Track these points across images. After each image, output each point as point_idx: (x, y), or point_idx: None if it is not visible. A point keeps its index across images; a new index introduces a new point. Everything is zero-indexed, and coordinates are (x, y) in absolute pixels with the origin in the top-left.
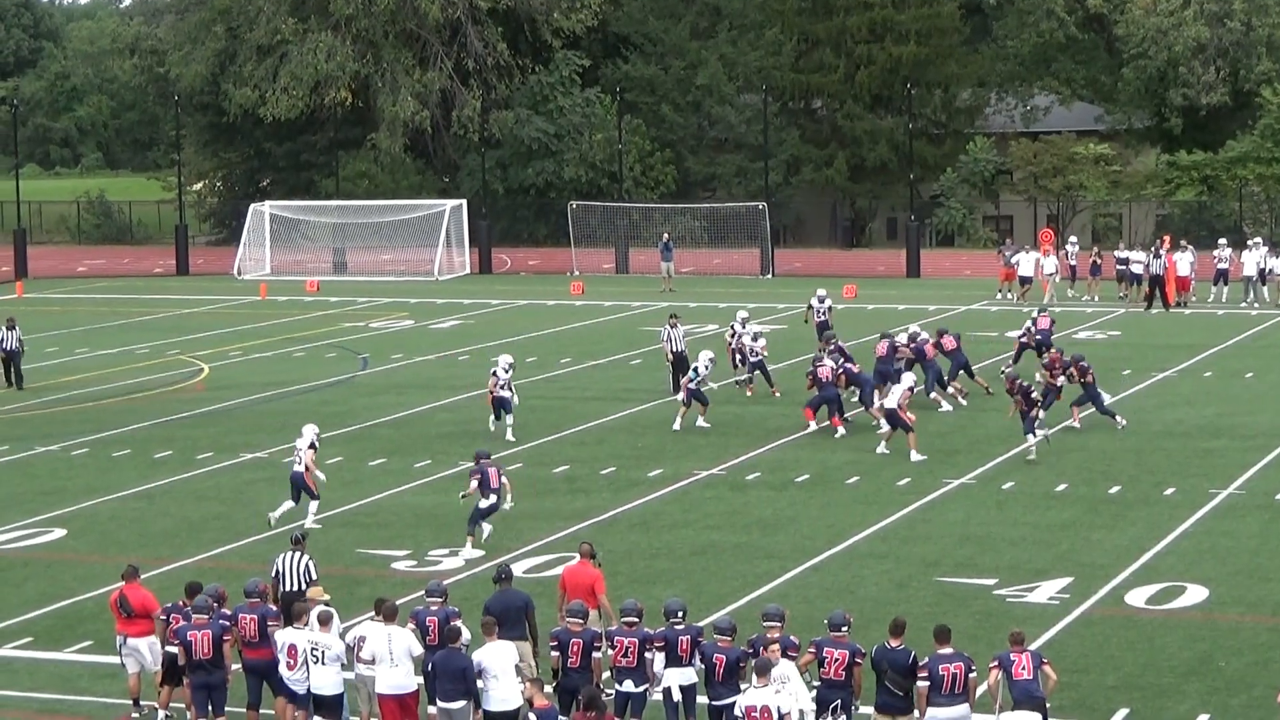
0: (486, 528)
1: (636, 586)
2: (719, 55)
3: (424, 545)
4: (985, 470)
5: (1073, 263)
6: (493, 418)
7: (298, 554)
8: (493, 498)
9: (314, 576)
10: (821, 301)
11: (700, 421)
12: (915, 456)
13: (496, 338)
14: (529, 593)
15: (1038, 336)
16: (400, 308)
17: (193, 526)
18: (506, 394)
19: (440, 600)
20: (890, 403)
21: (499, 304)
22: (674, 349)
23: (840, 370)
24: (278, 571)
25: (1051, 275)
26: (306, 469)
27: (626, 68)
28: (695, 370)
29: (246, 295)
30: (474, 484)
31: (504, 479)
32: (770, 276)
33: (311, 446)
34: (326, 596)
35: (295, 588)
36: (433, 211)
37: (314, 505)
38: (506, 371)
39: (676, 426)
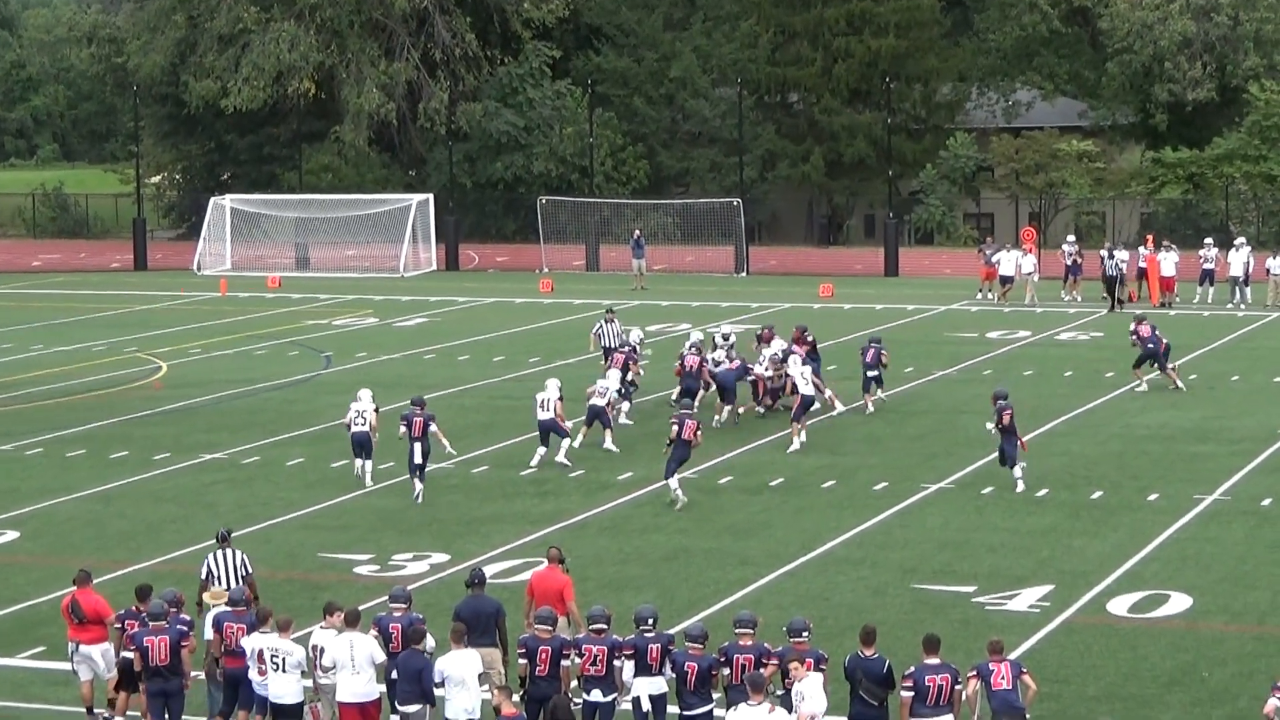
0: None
1: (606, 592)
2: (693, 47)
3: (388, 549)
4: (964, 475)
5: (1068, 262)
6: (542, 448)
7: (228, 550)
8: (418, 448)
9: (249, 570)
10: (726, 340)
11: (607, 444)
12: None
13: (463, 336)
14: (498, 599)
15: (1149, 345)
16: (364, 305)
17: (150, 529)
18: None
19: (404, 606)
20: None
21: (466, 301)
22: (606, 344)
23: (702, 361)
24: (210, 571)
25: (1030, 274)
26: (373, 428)
27: (598, 59)
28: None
29: (206, 291)
30: (402, 429)
31: (434, 427)
32: (745, 275)
33: (376, 410)
34: (225, 598)
35: (233, 584)
36: (398, 206)
37: (369, 464)
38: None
39: (576, 443)
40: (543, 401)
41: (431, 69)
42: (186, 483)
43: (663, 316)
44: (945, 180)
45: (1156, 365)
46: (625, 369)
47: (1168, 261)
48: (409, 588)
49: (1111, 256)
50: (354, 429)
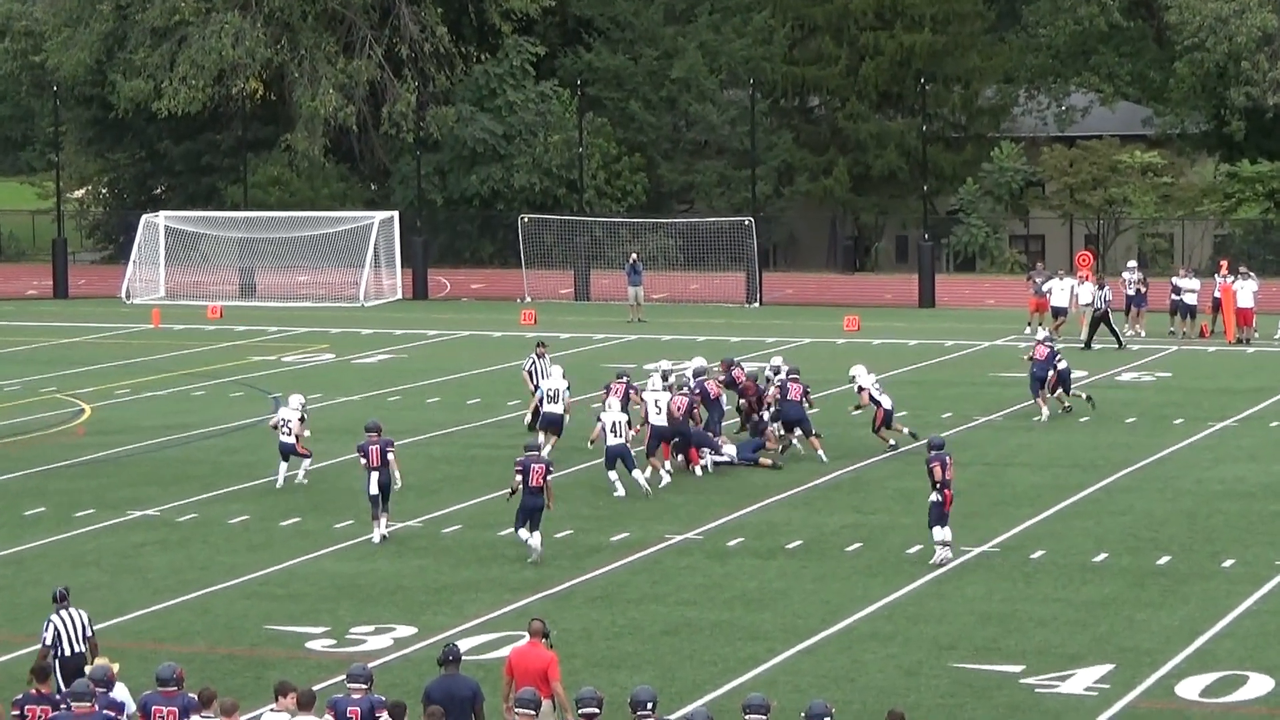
0: (384, 520)
1: (597, 672)
2: (698, 43)
3: (345, 621)
4: (1010, 537)
5: (1130, 292)
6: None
7: (69, 611)
8: (374, 478)
9: (91, 632)
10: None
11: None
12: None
13: (433, 375)
14: (474, 679)
15: (1035, 369)
16: (319, 339)
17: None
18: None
19: (364, 687)
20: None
21: (436, 335)
22: (539, 383)
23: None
24: (57, 633)
25: (1088, 306)
26: (297, 439)
27: (589, 57)
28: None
29: (137, 323)
30: (361, 460)
31: (391, 455)
32: (757, 305)
33: (301, 419)
34: (116, 665)
35: (79, 649)
36: (358, 225)
37: (306, 463)
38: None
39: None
40: (613, 425)
41: (397, 67)
42: (112, 544)
43: (663, 352)
44: (989, 197)
45: (1039, 391)
46: (625, 400)
47: (1245, 291)
48: (370, 666)
49: (1101, 288)
50: (281, 438)
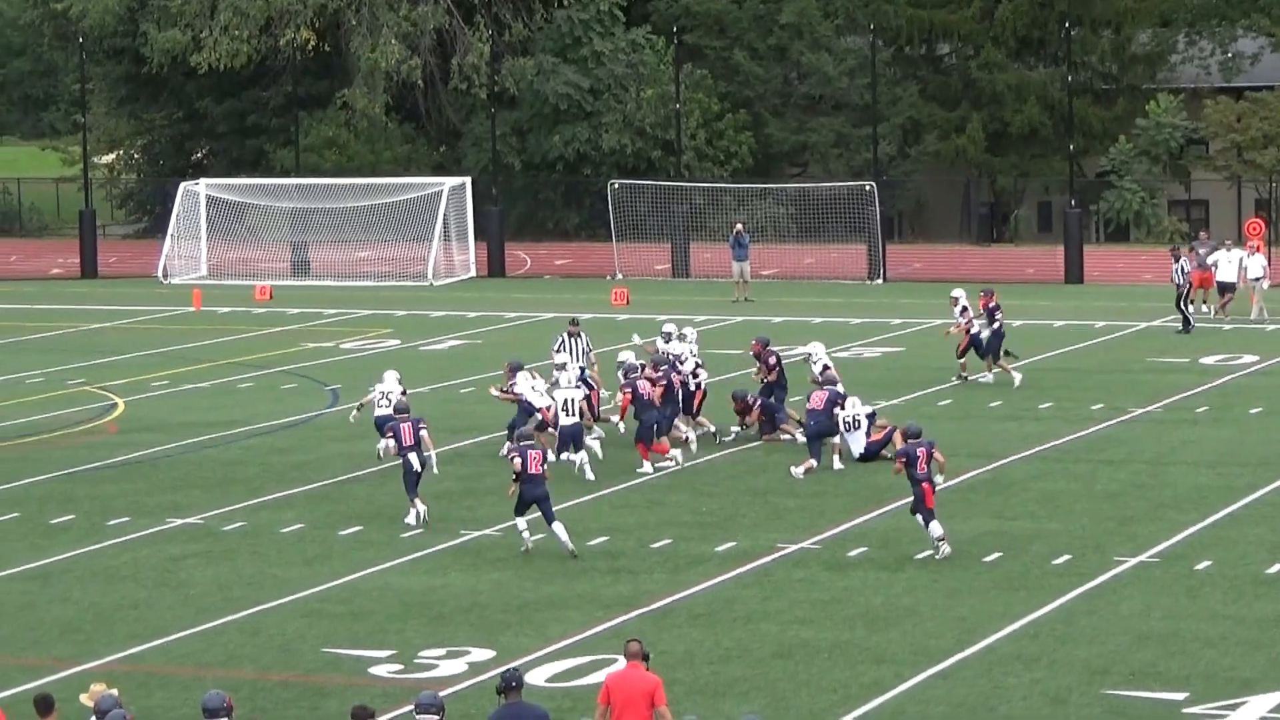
0: (422, 506)
1: (700, 699)
2: None
3: (413, 643)
4: (1172, 545)
5: None
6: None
7: None
8: (413, 458)
9: None
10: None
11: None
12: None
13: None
14: (548, 708)
15: (973, 328)
16: (382, 322)
17: (101, 617)
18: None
19: (435, 718)
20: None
21: (515, 318)
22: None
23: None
24: None
25: (1259, 280)
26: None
27: (687, 1)
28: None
29: (175, 305)
30: (390, 442)
31: (422, 432)
32: (880, 281)
33: (403, 392)
34: (114, 691)
35: None
36: (425, 193)
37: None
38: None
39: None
40: (565, 403)
41: (468, 14)
42: (149, 556)
43: (772, 336)
44: (1144, 157)
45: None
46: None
47: None
48: (441, 694)
49: (1176, 260)
50: (377, 411)
